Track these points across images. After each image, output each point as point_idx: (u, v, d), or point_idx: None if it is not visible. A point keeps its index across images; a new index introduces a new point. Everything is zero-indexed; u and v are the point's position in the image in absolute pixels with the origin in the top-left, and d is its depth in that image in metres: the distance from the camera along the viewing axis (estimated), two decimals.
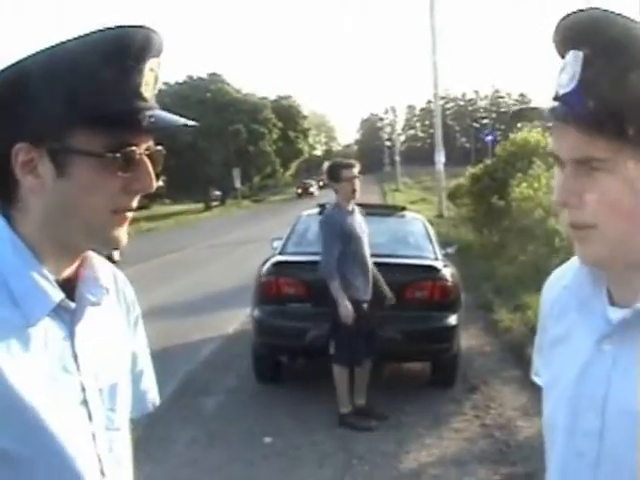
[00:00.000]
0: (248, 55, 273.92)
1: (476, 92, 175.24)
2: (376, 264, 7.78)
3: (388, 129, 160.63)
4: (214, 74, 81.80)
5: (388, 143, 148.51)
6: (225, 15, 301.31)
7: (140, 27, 1.39)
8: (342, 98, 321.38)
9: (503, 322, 11.33)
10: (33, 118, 1.37)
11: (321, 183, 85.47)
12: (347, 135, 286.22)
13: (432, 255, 8.91)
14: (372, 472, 6.50)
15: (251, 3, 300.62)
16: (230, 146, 69.45)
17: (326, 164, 7.91)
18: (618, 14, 1.31)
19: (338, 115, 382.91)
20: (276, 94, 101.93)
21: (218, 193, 73.53)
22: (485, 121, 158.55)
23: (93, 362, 1.49)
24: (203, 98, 71.32)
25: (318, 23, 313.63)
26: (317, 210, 9.36)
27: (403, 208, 10.66)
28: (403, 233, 9.59)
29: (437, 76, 38.64)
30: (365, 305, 7.44)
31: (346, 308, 7.24)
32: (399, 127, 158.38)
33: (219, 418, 7.85)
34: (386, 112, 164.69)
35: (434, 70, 38.43)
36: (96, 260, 1.56)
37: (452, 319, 8.26)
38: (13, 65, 1.38)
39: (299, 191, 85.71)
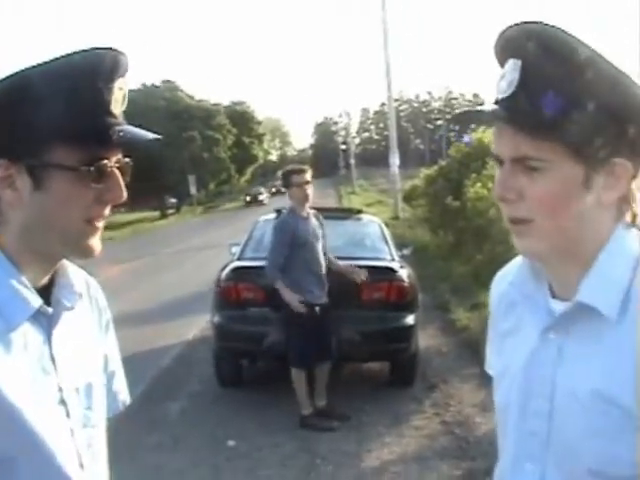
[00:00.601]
0: (201, 61, 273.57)
1: (429, 93, 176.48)
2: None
3: (343, 132, 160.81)
4: (168, 81, 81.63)
5: (343, 146, 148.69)
6: (177, 21, 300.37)
7: (109, 49, 1.50)
8: (296, 102, 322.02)
9: (460, 321, 11.51)
10: (11, 136, 1.47)
11: (273, 190, 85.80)
12: (302, 139, 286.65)
13: (389, 256, 9.05)
14: (335, 471, 6.60)
15: (202, 9, 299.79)
16: (185, 153, 69.19)
17: (279, 172, 8.05)
18: (555, 26, 1.42)
19: (292, 120, 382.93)
20: (230, 100, 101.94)
21: (174, 200, 72.93)
22: (439, 122, 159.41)
23: (69, 363, 1.59)
24: (157, 105, 70.91)
25: (270, 27, 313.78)
26: (274, 215, 9.46)
27: (359, 211, 10.79)
28: (360, 235, 9.71)
29: (390, 78, 38.79)
30: (318, 308, 7.54)
31: (293, 301, 7.41)
32: (353, 130, 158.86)
33: (183, 422, 7.91)
34: (340, 116, 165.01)
35: (387, 72, 38.59)
36: (70, 268, 1.67)
37: (410, 319, 8.39)
38: None
39: (247, 199, 79.62)
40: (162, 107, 71.93)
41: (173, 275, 21.33)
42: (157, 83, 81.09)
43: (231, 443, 7.25)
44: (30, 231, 1.52)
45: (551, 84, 1.39)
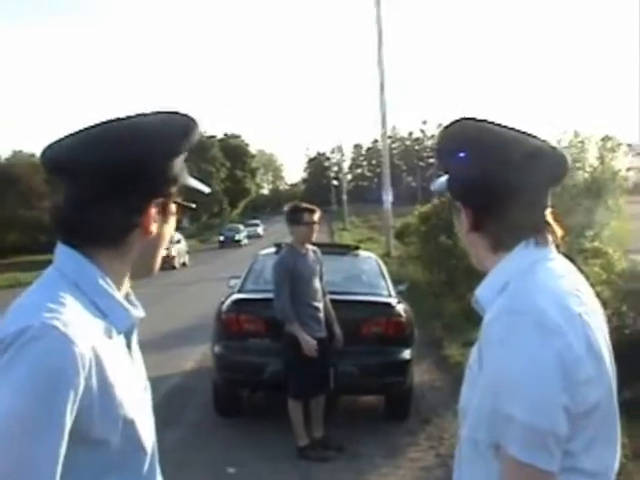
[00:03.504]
0: (196, 93, 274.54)
1: (422, 132, 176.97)
2: (332, 301, 8.15)
3: (335, 168, 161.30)
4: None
5: (335, 182, 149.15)
6: (174, 53, 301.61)
7: (184, 114, 1.91)
8: (289, 137, 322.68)
9: (453, 357, 11.71)
10: (156, 179, 1.80)
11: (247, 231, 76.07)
12: (294, 174, 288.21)
13: (386, 292, 9.26)
14: None
15: (197, 41, 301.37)
16: None
17: (288, 205, 8.21)
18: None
19: (285, 154, 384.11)
20: (224, 132, 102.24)
21: None
22: (431, 160, 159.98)
23: (139, 366, 1.89)
24: None
25: (266, 61, 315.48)
26: (273, 250, 9.69)
27: (357, 247, 11.02)
28: (357, 271, 9.92)
29: (385, 116, 39.12)
30: (316, 342, 7.72)
31: (307, 343, 7.58)
32: (346, 166, 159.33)
33: (182, 451, 8.03)
34: (333, 151, 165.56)
35: (382, 110, 38.87)
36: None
37: (406, 353, 8.60)
38: (129, 131, 1.79)
39: (221, 239, 67.89)
40: None
41: (162, 309, 21.45)
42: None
43: (231, 470, 7.41)
44: (145, 256, 1.85)
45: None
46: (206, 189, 2.01)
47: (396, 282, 10.57)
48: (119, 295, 1.77)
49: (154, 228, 1.80)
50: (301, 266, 7.79)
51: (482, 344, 1.91)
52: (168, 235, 1.88)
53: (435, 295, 18.08)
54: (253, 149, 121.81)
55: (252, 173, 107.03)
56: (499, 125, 2.12)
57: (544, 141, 2.14)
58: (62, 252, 1.76)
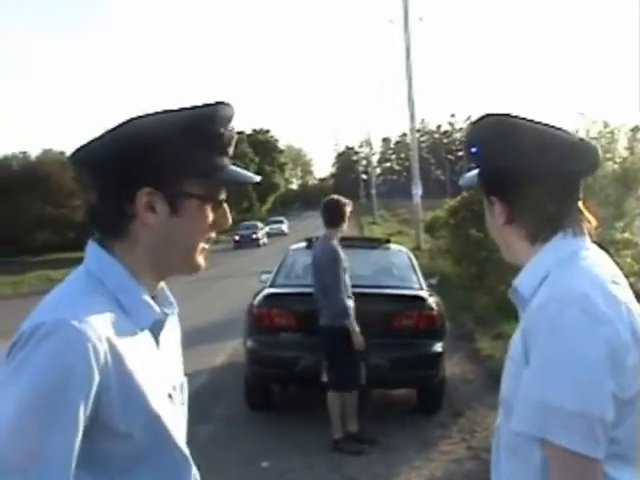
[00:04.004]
0: (226, 88, 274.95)
1: (451, 125, 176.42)
2: (364, 295, 8.16)
3: (364, 162, 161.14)
4: None
5: (364, 176, 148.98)
6: (203, 46, 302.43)
7: (223, 103, 1.85)
8: (318, 132, 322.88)
9: (484, 350, 11.70)
10: (155, 169, 1.76)
11: (267, 229, 69.44)
12: (323, 168, 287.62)
13: (417, 285, 9.26)
14: None
15: (228, 35, 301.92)
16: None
17: (330, 199, 8.22)
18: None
19: (314, 149, 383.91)
20: (252, 127, 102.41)
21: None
22: (460, 153, 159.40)
23: (170, 364, 1.90)
24: None
25: (294, 56, 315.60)
26: (304, 244, 9.73)
27: (388, 240, 11.02)
28: (389, 264, 9.92)
29: (414, 110, 39.05)
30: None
31: (359, 337, 7.68)
32: (375, 160, 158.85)
33: (215, 445, 8.07)
34: (361, 145, 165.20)
35: (410, 104, 38.82)
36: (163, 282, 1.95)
37: (438, 347, 8.61)
38: (127, 124, 1.80)
39: (236, 238, 59.57)
40: None
41: (194, 304, 21.58)
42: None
43: (264, 464, 7.44)
44: (157, 250, 1.80)
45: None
46: (255, 178, 1.97)
47: (427, 275, 10.56)
48: (142, 291, 1.78)
49: (152, 219, 1.76)
50: (344, 257, 7.86)
51: (527, 334, 1.92)
52: (188, 230, 1.81)
53: (465, 288, 18.05)
54: (282, 144, 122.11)
55: (281, 168, 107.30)
56: (527, 119, 2.15)
57: (574, 134, 2.17)
58: (90, 249, 1.81)
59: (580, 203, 2.11)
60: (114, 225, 1.78)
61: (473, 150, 2.14)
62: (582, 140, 2.16)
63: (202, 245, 1.86)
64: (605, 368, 1.80)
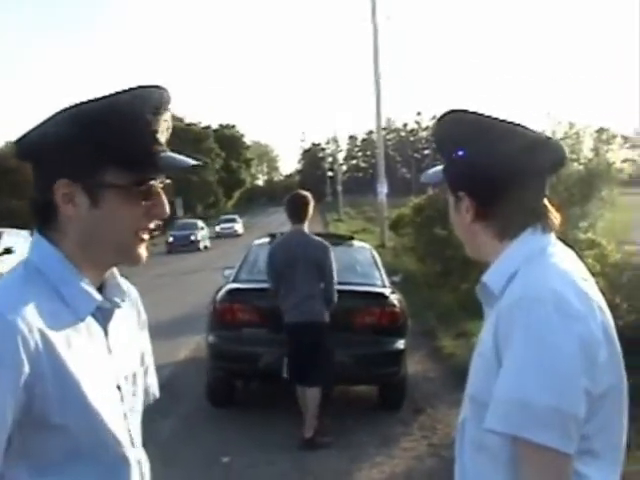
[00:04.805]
0: (191, 83, 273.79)
1: (417, 123, 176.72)
2: None
3: (330, 159, 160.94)
4: None
5: (330, 173, 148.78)
6: (168, 43, 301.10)
7: (155, 87, 1.82)
8: (284, 128, 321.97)
9: (447, 348, 11.76)
10: (71, 160, 1.72)
11: (219, 228, 63.84)
12: (289, 165, 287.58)
13: (380, 282, 9.28)
14: None
15: (195, 30, 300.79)
16: (172, 176, 69.39)
17: (296, 194, 8.25)
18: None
19: (280, 145, 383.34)
20: (219, 123, 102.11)
21: (159, 223, 72.89)
22: (426, 152, 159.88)
23: (120, 354, 1.87)
24: None
25: (261, 51, 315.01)
26: (267, 240, 9.70)
27: (351, 237, 11.04)
28: (352, 261, 9.89)
29: (380, 108, 39.18)
30: None
31: None
32: (341, 157, 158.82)
33: (175, 440, 8.07)
34: (328, 142, 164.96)
35: (377, 102, 38.95)
36: (116, 271, 1.94)
37: (400, 343, 8.64)
38: (53, 117, 1.78)
39: (170, 240, 47.83)
40: None
41: (156, 298, 21.50)
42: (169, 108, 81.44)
43: (225, 460, 7.43)
44: (87, 242, 1.77)
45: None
46: (189, 162, 1.88)
47: (391, 273, 10.60)
48: (81, 281, 1.76)
49: (71, 211, 1.74)
50: None
51: (499, 331, 1.92)
52: (113, 221, 1.77)
53: (429, 286, 18.13)
54: (248, 140, 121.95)
55: (247, 164, 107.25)
56: (491, 117, 2.17)
57: (539, 132, 2.19)
58: (34, 239, 1.81)
59: (546, 200, 2.13)
60: (44, 217, 1.78)
61: (463, 145, 2.12)
62: (548, 137, 2.19)
63: (141, 235, 1.83)
64: (579, 365, 1.82)
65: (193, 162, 1.89)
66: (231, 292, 8.88)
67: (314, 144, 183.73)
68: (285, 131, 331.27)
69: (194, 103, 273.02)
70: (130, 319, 1.99)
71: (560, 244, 2.12)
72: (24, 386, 1.57)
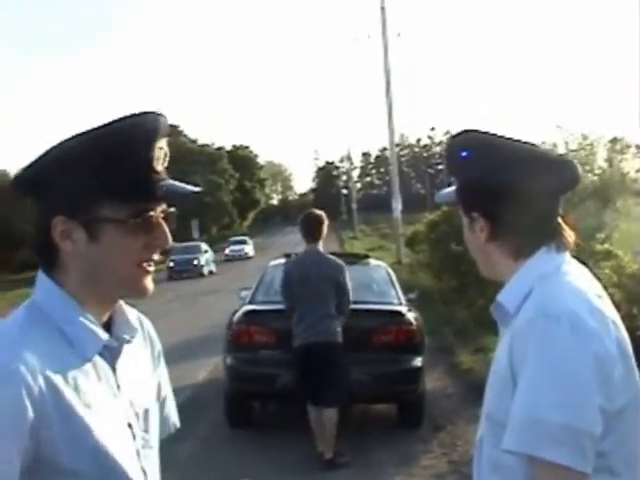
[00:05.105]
0: (204, 104, 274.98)
1: (430, 138, 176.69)
2: None
3: (344, 177, 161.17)
4: (171, 125, 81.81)
5: (344, 191, 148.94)
6: (181, 65, 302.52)
7: (150, 113, 1.76)
8: (298, 147, 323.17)
9: (464, 364, 11.72)
10: (67, 196, 1.69)
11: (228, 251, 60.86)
12: (303, 183, 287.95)
13: (396, 300, 9.28)
14: None
15: (207, 52, 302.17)
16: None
17: (310, 213, 8.27)
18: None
19: (294, 164, 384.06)
20: (232, 143, 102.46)
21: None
22: (440, 167, 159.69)
23: (130, 391, 1.81)
24: None
25: (273, 71, 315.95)
26: (283, 260, 9.70)
27: (366, 256, 11.06)
28: (367, 280, 9.88)
29: (393, 124, 39.24)
30: None
31: None
32: (355, 175, 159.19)
33: (195, 463, 8.08)
34: (342, 160, 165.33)
35: (389, 118, 39.01)
36: (125, 306, 1.88)
37: (417, 361, 8.62)
38: (47, 153, 1.73)
39: (170, 265, 44.04)
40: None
41: (173, 321, 21.54)
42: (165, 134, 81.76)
43: None
44: (90, 278, 1.73)
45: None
46: (192, 189, 1.83)
47: (407, 290, 10.59)
48: (87, 320, 1.72)
49: (70, 248, 1.70)
50: None
51: (514, 350, 1.91)
52: (113, 256, 1.72)
53: (445, 302, 18.09)
54: (262, 160, 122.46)
55: (261, 184, 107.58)
56: (503, 137, 2.18)
57: (552, 150, 2.20)
58: (38, 279, 1.77)
59: (560, 218, 2.13)
60: (45, 255, 1.75)
61: (462, 161, 2.14)
62: (561, 156, 2.20)
63: (145, 267, 1.77)
64: (594, 383, 1.82)
65: (193, 189, 1.83)
66: (248, 314, 8.89)
67: (328, 162, 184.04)
68: (298, 150, 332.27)
69: (207, 124, 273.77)
70: (142, 353, 1.95)
71: (574, 262, 2.11)
72: (30, 432, 1.54)
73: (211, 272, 45.99)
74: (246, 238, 67.21)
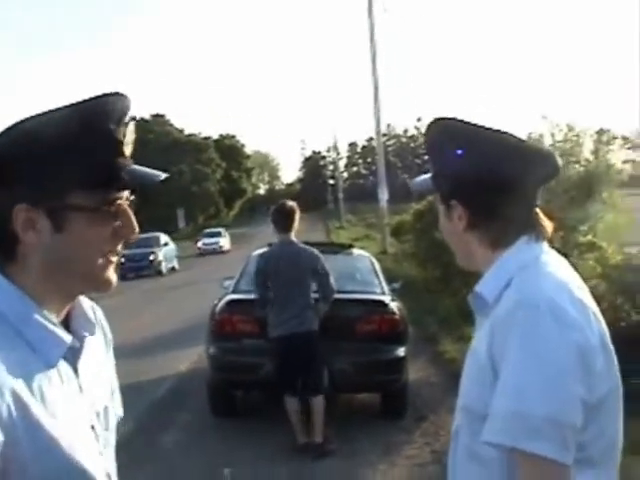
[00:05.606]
0: (190, 94, 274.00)
1: (417, 129, 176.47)
2: None
3: (331, 167, 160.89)
4: (157, 115, 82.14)
5: (331, 181, 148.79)
6: (167, 54, 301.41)
7: (116, 94, 1.65)
8: (285, 137, 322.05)
9: (448, 353, 11.73)
10: (30, 182, 1.55)
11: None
12: (290, 173, 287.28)
13: (379, 290, 9.28)
14: None
15: (194, 42, 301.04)
16: (173, 187, 69.43)
17: (284, 204, 8.21)
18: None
19: (281, 154, 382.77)
20: (219, 133, 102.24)
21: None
22: (427, 157, 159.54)
23: (90, 390, 1.72)
24: (146, 139, 71.17)
25: (259, 61, 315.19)
26: (267, 249, 9.66)
27: (350, 245, 11.05)
28: (351, 269, 9.90)
29: (380, 114, 39.18)
30: None
31: None
32: (342, 165, 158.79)
33: (178, 453, 8.07)
34: (328, 150, 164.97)
35: (376, 108, 38.95)
36: (81, 299, 1.76)
37: (400, 351, 8.62)
38: (4, 134, 1.59)
39: (122, 261, 29.71)
40: (151, 141, 72.17)
41: (157, 310, 21.51)
42: (147, 117, 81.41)
43: (227, 471, 7.38)
44: (52, 271, 1.60)
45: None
46: (159, 176, 1.71)
47: (391, 280, 10.60)
48: (47, 322, 1.60)
49: (33, 238, 1.57)
50: None
51: (494, 340, 1.90)
52: (79, 246, 1.61)
53: (430, 291, 18.12)
54: (249, 149, 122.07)
55: (248, 173, 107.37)
56: (478, 125, 2.15)
57: (531, 140, 2.19)
58: None
59: (537, 209, 2.11)
60: (2, 248, 1.61)
61: (458, 153, 2.08)
62: (540, 146, 2.18)
63: (110, 258, 1.67)
64: (576, 374, 1.81)
65: (161, 175, 1.71)
66: (230, 303, 8.87)
67: (314, 152, 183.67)
68: (285, 140, 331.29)
69: (194, 114, 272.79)
70: (97, 344, 1.83)
71: (553, 252, 2.10)
72: (0, 455, 1.42)
73: (173, 268, 39.93)
74: (221, 230, 61.47)
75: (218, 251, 53.70)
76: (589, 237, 13.96)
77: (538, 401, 1.77)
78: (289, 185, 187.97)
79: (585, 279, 2.12)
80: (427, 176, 2.24)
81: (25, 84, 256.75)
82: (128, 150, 1.65)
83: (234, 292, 9.22)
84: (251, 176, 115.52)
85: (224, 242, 56.40)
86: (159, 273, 36.33)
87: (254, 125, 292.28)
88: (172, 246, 41.39)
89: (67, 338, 1.61)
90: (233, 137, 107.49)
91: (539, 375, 1.79)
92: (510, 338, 1.84)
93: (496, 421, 1.82)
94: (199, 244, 56.12)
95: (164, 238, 40.43)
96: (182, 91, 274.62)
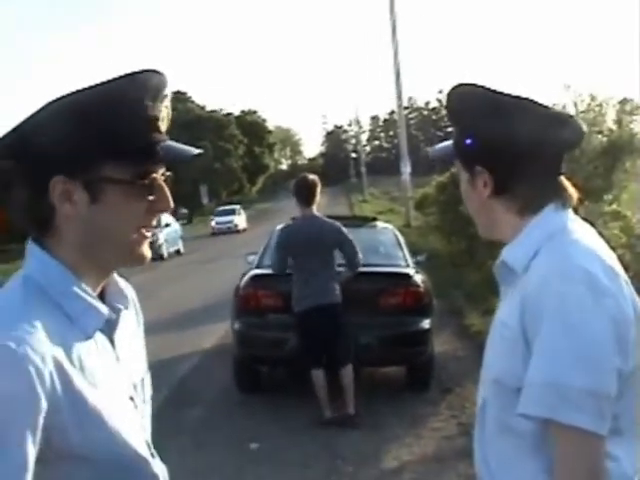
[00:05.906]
0: (212, 70, 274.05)
1: (439, 101, 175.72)
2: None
3: (353, 141, 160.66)
4: (179, 92, 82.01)
5: (354, 155, 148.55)
6: (188, 31, 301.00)
7: (153, 71, 1.67)
8: (307, 111, 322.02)
9: (474, 326, 11.68)
10: (67, 154, 1.57)
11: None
12: (313, 148, 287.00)
13: (404, 263, 9.25)
14: (356, 471, 6.80)
15: (214, 19, 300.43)
16: (196, 163, 69.46)
17: (305, 177, 8.19)
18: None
19: (303, 128, 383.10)
20: (240, 109, 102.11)
21: (185, 211, 72.00)
22: (449, 129, 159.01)
23: (128, 362, 1.75)
24: None
25: (280, 35, 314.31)
26: (291, 223, 9.66)
27: (374, 219, 11.03)
28: (375, 243, 9.85)
29: (401, 87, 38.98)
30: None
31: None
32: (364, 138, 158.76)
33: (205, 427, 8.10)
34: (350, 124, 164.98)
35: (397, 81, 38.76)
36: (115, 274, 1.79)
37: (425, 323, 8.60)
38: (43, 108, 1.62)
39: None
40: (173, 118, 71.49)
41: (184, 286, 21.56)
42: (168, 94, 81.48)
43: (254, 445, 7.44)
44: (87, 244, 1.62)
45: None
46: (193, 151, 1.73)
47: (416, 253, 10.56)
48: (87, 294, 1.62)
49: (70, 210, 1.59)
50: None
51: (526, 310, 1.87)
52: (115, 219, 1.63)
53: (455, 264, 18.05)
54: (270, 125, 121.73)
55: (270, 149, 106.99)
56: (501, 91, 2.11)
57: (554, 108, 2.15)
58: (29, 251, 1.66)
59: (562, 176, 2.08)
60: (37, 222, 1.63)
61: (485, 117, 2.05)
62: (564, 114, 2.15)
63: (143, 233, 1.69)
64: (612, 344, 1.79)
65: (195, 151, 1.73)
66: (255, 278, 8.86)
67: (336, 126, 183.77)
68: (307, 114, 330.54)
69: (215, 91, 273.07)
70: (132, 322, 1.87)
71: (579, 220, 2.06)
72: (43, 422, 1.45)
73: (178, 252, 36.53)
74: (236, 207, 57.05)
75: (233, 230, 50.72)
76: (614, 206, 13.86)
77: (575, 372, 1.75)
78: (311, 160, 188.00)
79: (611, 248, 2.08)
80: (448, 143, 2.21)
81: (25, 84, 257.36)
82: (163, 126, 1.68)
83: (258, 267, 9.20)
84: (273, 152, 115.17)
85: (239, 220, 53.15)
86: (160, 257, 31.91)
87: (275, 100, 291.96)
88: (175, 227, 38.07)
89: (104, 310, 1.65)
90: (255, 113, 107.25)
91: (575, 347, 1.77)
92: (544, 310, 1.81)
93: (532, 393, 1.81)
94: (212, 223, 53.30)
95: (166, 218, 34.63)
96: (203, 68, 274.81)
